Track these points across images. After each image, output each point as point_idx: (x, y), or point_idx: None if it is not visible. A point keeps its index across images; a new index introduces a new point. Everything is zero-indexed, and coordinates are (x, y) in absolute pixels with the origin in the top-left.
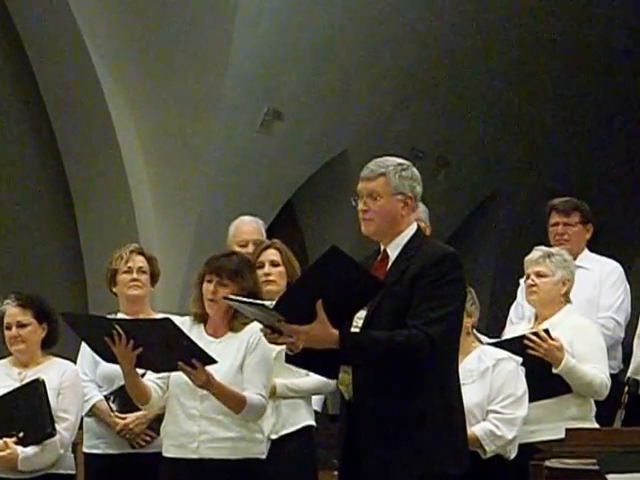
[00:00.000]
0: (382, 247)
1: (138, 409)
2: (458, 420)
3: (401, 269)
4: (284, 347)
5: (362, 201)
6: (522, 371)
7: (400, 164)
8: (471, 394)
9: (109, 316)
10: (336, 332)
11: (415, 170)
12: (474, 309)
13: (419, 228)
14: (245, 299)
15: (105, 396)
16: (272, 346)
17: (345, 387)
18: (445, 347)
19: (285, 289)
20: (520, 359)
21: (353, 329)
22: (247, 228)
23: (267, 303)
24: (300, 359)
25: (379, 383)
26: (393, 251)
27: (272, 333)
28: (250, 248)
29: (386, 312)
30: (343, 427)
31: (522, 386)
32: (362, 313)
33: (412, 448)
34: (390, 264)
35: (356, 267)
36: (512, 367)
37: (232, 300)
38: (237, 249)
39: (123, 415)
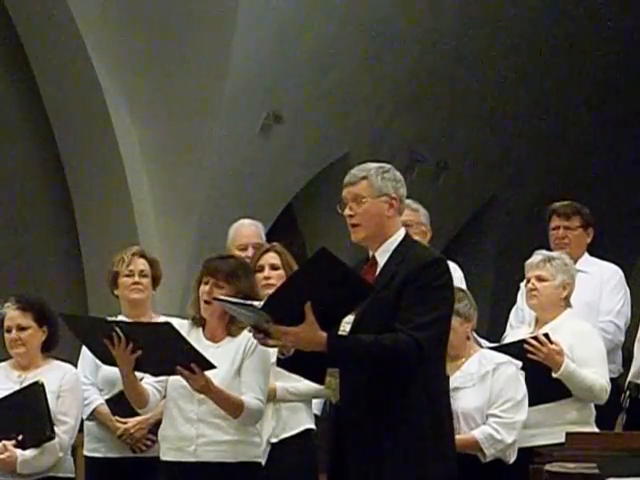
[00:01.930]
0: (371, 253)
1: (138, 414)
2: (445, 424)
3: (390, 274)
4: None
5: (348, 207)
6: (522, 375)
7: (381, 167)
8: (471, 398)
9: (109, 318)
10: (324, 334)
11: (397, 172)
12: (472, 312)
13: (407, 234)
14: (234, 299)
15: (105, 400)
16: (270, 350)
17: (331, 391)
18: (432, 352)
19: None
20: (520, 363)
21: (340, 333)
22: (247, 231)
23: (256, 303)
24: (289, 363)
25: (366, 387)
26: (382, 257)
27: (261, 335)
28: (250, 251)
29: (374, 317)
30: (330, 430)
31: (522, 390)
32: (350, 317)
33: (398, 452)
34: (379, 270)
35: (346, 270)
36: (512, 371)
37: (221, 300)
38: (237, 252)
39: (124, 420)
